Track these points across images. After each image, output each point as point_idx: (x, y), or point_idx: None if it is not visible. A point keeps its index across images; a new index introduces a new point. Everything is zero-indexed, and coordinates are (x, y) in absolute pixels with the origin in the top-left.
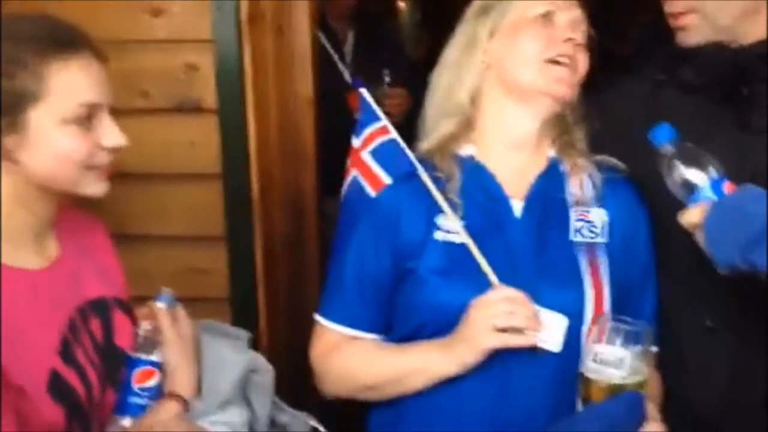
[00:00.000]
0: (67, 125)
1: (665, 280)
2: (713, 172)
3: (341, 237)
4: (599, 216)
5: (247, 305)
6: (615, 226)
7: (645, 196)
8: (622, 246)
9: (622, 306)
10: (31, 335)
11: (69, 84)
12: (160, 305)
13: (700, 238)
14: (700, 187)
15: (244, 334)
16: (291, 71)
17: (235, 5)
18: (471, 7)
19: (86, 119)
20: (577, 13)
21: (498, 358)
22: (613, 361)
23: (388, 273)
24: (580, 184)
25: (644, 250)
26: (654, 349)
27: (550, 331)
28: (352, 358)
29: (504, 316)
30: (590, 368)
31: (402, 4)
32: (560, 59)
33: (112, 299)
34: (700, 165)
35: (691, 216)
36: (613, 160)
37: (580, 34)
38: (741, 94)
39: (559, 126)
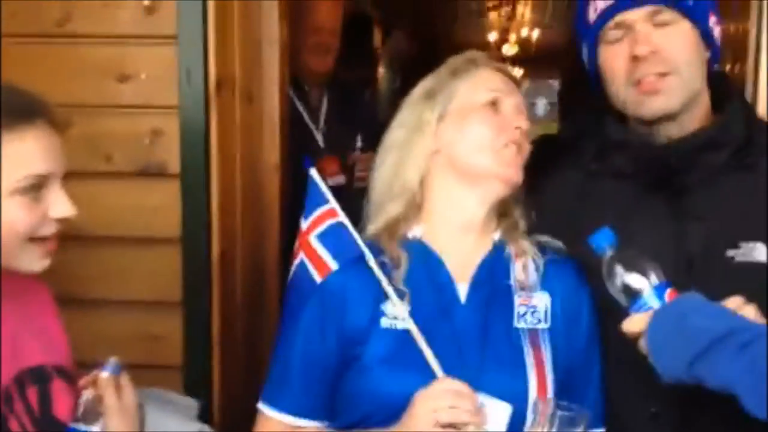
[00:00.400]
0: (14, 196)
1: (609, 364)
2: (655, 277)
3: (287, 323)
4: (542, 300)
5: (201, 373)
6: (557, 309)
7: (588, 282)
8: (565, 329)
9: (567, 389)
10: None
11: (21, 155)
12: (104, 374)
13: (644, 347)
14: (642, 293)
15: (193, 404)
16: (259, 137)
17: (204, 71)
18: (415, 90)
19: (35, 189)
20: (519, 99)
21: None
22: None
23: (335, 359)
24: (524, 267)
25: (587, 332)
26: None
27: (492, 422)
28: None
29: (447, 411)
30: None
31: (382, 71)
32: (510, 144)
33: (53, 368)
34: (642, 270)
35: (634, 325)
36: (556, 242)
37: (524, 120)
38: (672, 182)
39: (501, 208)
